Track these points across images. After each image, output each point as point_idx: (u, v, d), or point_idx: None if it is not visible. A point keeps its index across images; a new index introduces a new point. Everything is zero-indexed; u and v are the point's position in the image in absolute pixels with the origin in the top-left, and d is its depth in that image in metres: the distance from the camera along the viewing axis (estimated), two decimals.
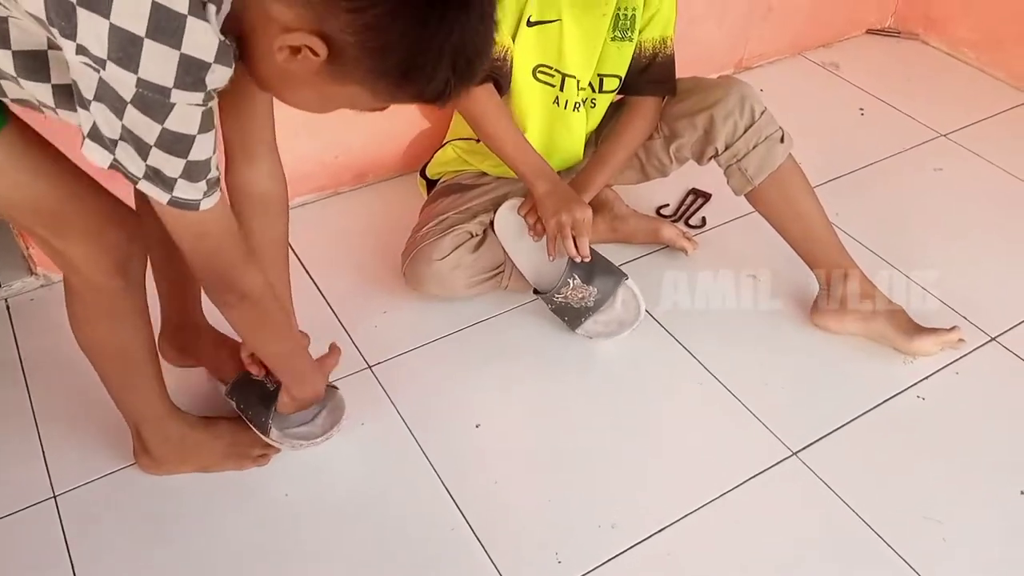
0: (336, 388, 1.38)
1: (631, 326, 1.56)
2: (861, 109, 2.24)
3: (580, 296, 1.52)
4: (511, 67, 1.48)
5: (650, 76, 1.58)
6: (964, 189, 1.99)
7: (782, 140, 1.54)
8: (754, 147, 1.52)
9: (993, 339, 1.61)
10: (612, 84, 1.58)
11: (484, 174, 1.65)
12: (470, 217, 1.58)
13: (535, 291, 1.58)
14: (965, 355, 1.57)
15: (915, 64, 2.45)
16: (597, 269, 1.51)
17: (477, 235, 1.57)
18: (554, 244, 1.49)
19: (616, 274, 1.55)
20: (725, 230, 1.84)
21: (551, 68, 1.51)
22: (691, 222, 1.85)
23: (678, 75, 1.62)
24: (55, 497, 1.31)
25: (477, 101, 1.45)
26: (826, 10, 2.44)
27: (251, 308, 1.07)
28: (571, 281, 1.50)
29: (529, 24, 1.45)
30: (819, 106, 2.26)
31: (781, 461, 1.40)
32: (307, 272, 1.72)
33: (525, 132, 1.57)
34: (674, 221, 1.85)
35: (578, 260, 1.48)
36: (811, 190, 1.57)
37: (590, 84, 1.57)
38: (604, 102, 1.62)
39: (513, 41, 1.46)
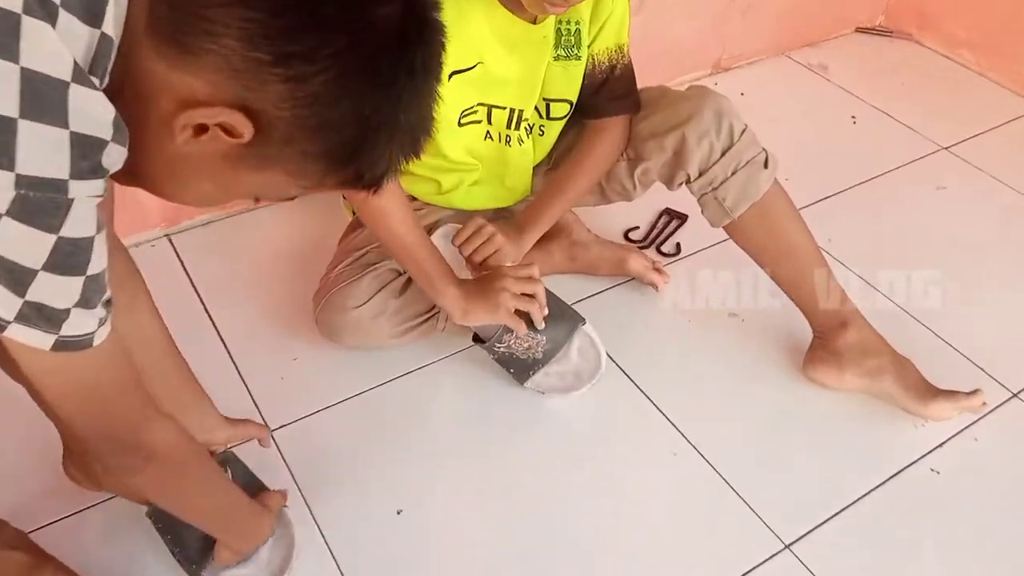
0: (284, 506, 1.09)
1: (590, 380, 1.30)
2: (853, 117, 2.00)
3: (526, 346, 1.25)
4: None
5: (610, 92, 1.31)
6: (971, 211, 1.75)
7: (766, 164, 1.28)
8: (733, 173, 1.26)
9: (1015, 395, 1.37)
10: (561, 110, 1.32)
11: (412, 199, 1.37)
12: None
13: (475, 338, 1.30)
14: (985, 416, 1.33)
15: (909, 67, 2.21)
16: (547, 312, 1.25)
17: (403, 273, 1.29)
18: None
19: (570, 318, 1.29)
20: (702, 258, 1.58)
21: (472, 106, 1.26)
22: (663, 249, 1.59)
23: (644, 83, 1.36)
24: None
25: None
26: (812, 5, 2.19)
27: (162, 469, 0.79)
28: (514, 328, 1.23)
29: (449, 78, 1.20)
30: (806, 113, 2.01)
31: (772, 556, 1.14)
32: (205, 308, 1.44)
33: (471, 180, 1.34)
34: (644, 247, 1.59)
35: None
36: (800, 219, 1.31)
37: (536, 109, 1.32)
38: (554, 130, 1.36)
39: None
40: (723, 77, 2.07)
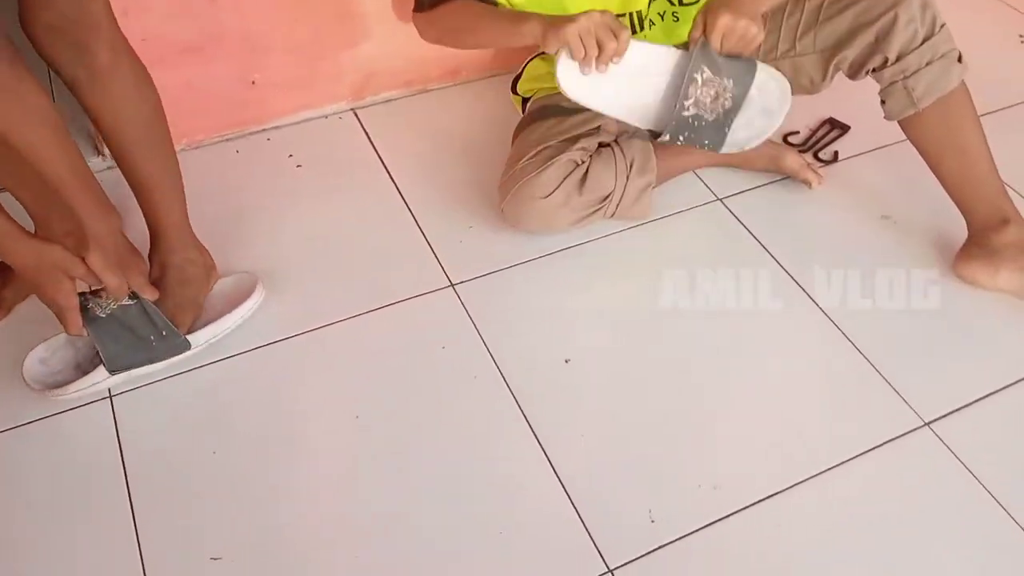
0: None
1: (781, 110, 1.33)
2: (1021, 36, 1.96)
3: (713, 94, 1.27)
4: None
5: None
6: None
7: (959, 60, 1.32)
8: (927, 64, 1.30)
9: None
10: None
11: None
12: (571, 143, 1.39)
13: (650, 132, 1.36)
14: None
15: None
16: (720, 59, 1.26)
17: (583, 163, 1.38)
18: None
19: (744, 60, 1.29)
20: (856, 163, 1.62)
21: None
22: (821, 155, 1.64)
23: None
24: None
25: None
26: None
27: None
28: (699, 76, 1.26)
29: None
30: (972, 31, 1.93)
31: (910, 432, 1.22)
32: (390, 175, 1.58)
33: None
34: (801, 151, 1.64)
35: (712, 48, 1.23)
36: (979, 122, 1.35)
37: None
38: (688, 15, 1.40)
39: None
40: None
